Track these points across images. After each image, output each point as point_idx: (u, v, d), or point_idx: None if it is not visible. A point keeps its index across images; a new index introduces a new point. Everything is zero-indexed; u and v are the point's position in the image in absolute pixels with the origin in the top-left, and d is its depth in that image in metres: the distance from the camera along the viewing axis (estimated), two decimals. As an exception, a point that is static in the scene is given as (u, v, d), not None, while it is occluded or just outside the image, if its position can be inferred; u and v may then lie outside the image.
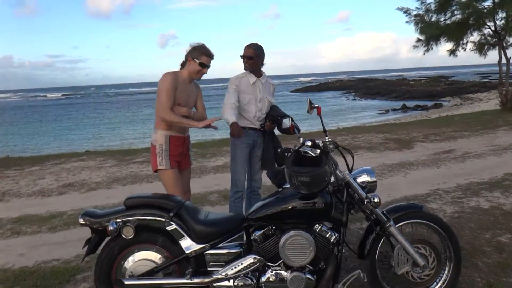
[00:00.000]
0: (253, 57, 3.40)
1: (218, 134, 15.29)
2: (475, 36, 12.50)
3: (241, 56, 3.45)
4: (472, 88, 36.10)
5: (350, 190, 2.40)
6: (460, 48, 12.47)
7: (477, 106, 23.19)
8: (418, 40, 12.40)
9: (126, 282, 2.33)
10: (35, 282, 3.09)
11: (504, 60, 11.92)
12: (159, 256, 2.42)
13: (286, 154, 2.72)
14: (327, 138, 2.35)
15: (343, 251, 2.45)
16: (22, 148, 17.02)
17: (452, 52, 12.63)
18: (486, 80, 48.12)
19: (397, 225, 2.42)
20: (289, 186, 2.42)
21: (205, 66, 3.02)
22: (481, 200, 4.33)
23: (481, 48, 12.38)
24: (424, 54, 12.32)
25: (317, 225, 2.32)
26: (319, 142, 2.31)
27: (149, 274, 2.38)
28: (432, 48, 12.36)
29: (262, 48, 3.48)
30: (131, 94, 78.47)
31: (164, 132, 3.00)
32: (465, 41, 12.44)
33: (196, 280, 2.31)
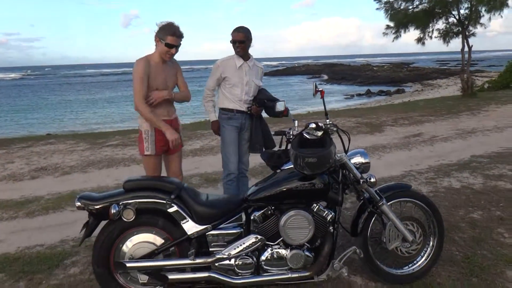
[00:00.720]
0: (244, 40, 3.40)
1: (190, 118, 15.18)
2: (440, 25, 13.00)
3: (231, 41, 3.43)
4: (432, 75, 37.55)
5: (345, 171, 2.50)
6: (426, 36, 12.94)
7: (437, 92, 24.21)
8: (388, 27, 12.75)
9: (128, 264, 2.33)
10: (21, 268, 3.01)
11: (466, 48, 12.51)
12: (158, 238, 2.43)
13: (282, 136, 2.78)
14: (328, 120, 2.42)
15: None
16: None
17: (419, 40, 13.08)
18: (445, 67, 50.20)
19: (388, 203, 2.57)
20: (285, 168, 2.49)
21: (172, 46, 2.87)
22: (453, 181, 4.61)
23: (445, 36, 12.90)
24: (393, 41, 12.72)
25: (315, 204, 2.41)
26: (321, 124, 2.38)
27: (149, 256, 2.39)
28: (400, 35, 12.76)
29: (250, 31, 3.48)
30: (92, 76, 75.17)
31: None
32: (431, 29, 12.92)
33: (199, 260, 2.35)
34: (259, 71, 3.66)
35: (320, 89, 2.51)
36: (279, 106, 3.06)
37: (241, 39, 3.39)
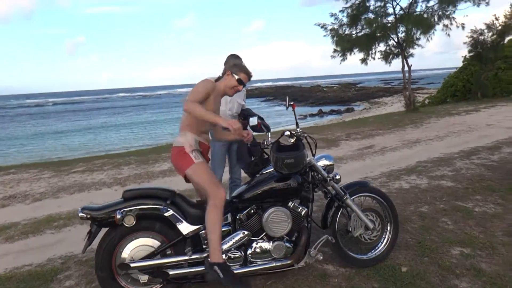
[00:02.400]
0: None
1: (152, 141, 15.13)
2: (381, 47, 14.28)
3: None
4: (378, 93, 40.05)
5: (314, 172, 2.95)
6: (370, 57, 14.15)
7: (384, 109, 25.90)
8: (335, 50, 13.82)
9: (132, 265, 2.60)
10: (16, 285, 3.13)
11: (406, 68, 13.81)
12: (155, 241, 2.72)
13: (257, 147, 3.17)
14: (298, 129, 2.87)
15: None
16: None
17: (363, 60, 14.26)
18: (390, 86, 53.68)
19: (352, 197, 3.04)
20: (264, 172, 2.90)
21: (241, 83, 2.83)
22: (403, 183, 5.23)
23: (386, 57, 14.18)
24: (340, 63, 13.80)
25: (290, 202, 2.83)
26: (294, 132, 2.82)
27: (148, 257, 2.67)
28: (347, 58, 13.88)
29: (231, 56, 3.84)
30: (54, 104, 70.61)
31: (194, 136, 2.78)
32: (373, 51, 14.15)
33: (195, 256, 2.67)
34: (242, 92, 4.03)
35: (291, 102, 2.96)
36: (253, 120, 3.40)
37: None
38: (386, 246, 3.16)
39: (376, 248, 3.16)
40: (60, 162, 9.44)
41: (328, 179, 2.90)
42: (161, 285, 2.72)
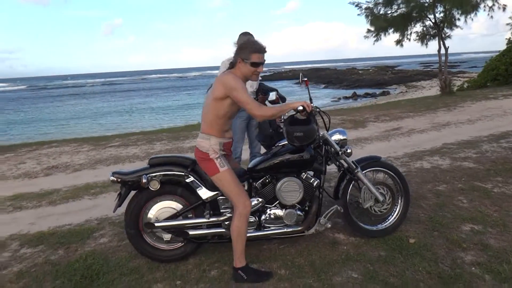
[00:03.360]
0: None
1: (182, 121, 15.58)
2: (418, 28, 13.83)
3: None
4: (416, 77, 38.69)
5: (327, 146, 3.10)
6: (405, 39, 13.75)
7: (421, 93, 25.10)
8: (369, 30, 13.54)
9: (156, 224, 2.89)
10: (58, 240, 3.53)
11: (443, 50, 13.35)
12: (178, 204, 2.99)
13: (274, 120, 3.33)
14: (312, 104, 3.01)
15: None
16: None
17: (399, 42, 13.89)
18: (429, 69, 51.56)
19: (364, 171, 3.16)
20: (279, 145, 3.08)
21: (258, 64, 2.61)
22: (424, 163, 5.26)
23: (422, 38, 13.72)
24: (374, 43, 13.51)
25: (303, 173, 3.00)
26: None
27: (171, 218, 2.94)
28: (380, 38, 13.55)
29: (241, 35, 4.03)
30: (93, 85, 72.43)
31: (219, 139, 2.72)
32: (409, 32, 13.74)
33: (213, 219, 2.92)
34: None
35: (305, 79, 3.10)
36: (271, 96, 3.57)
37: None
38: (396, 219, 3.27)
39: (386, 220, 3.29)
40: (98, 137, 10.04)
41: (340, 152, 3.04)
42: (182, 243, 3.00)
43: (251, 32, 4.02)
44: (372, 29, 13.34)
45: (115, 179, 2.87)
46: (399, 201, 3.30)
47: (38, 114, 27.11)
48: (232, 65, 2.70)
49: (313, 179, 3.00)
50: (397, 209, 3.30)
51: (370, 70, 54.79)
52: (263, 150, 3.96)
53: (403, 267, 2.79)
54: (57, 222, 4.04)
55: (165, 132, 9.57)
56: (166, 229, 2.93)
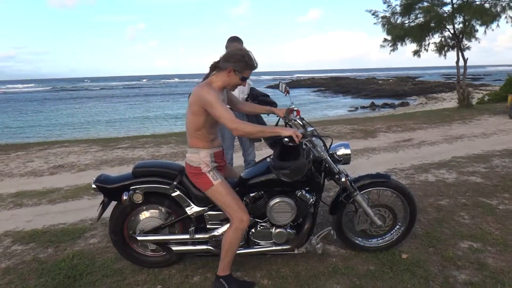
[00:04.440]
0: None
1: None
2: (436, 38, 13.56)
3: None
4: (436, 88, 37.94)
5: (326, 164, 2.88)
6: (423, 49, 13.50)
7: (441, 105, 24.57)
8: (385, 40, 13.36)
9: (139, 238, 2.81)
10: (49, 238, 3.56)
11: (461, 61, 13.04)
12: (164, 214, 2.87)
13: (279, 118, 3.11)
14: (310, 128, 2.75)
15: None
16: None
17: (416, 52, 13.64)
18: (451, 81, 50.55)
19: (364, 191, 2.97)
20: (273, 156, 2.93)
21: (245, 79, 2.56)
22: (429, 176, 5.09)
23: (440, 49, 13.44)
24: (390, 53, 13.31)
25: (298, 191, 2.77)
26: (295, 135, 2.50)
27: (156, 229, 2.84)
28: (397, 48, 13.32)
29: (231, 40, 3.97)
30: (119, 88, 72.80)
31: (209, 150, 2.62)
32: (427, 42, 13.48)
33: (197, 236, 2.78)
34: None
35: (296, 108, 2.87)
36: (281, 87, 3.32)
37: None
38: (392, 240, 3.10)
39: (383, 237, 3.12)
40: (109, 138, 10.18)
41: (335, 176, 2.81)
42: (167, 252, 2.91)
43: (240, 38, 3.95)
44: (389, 38, 13.16)
45: (96, 187, 2.78)
46: (401, 224, 3.12)
47: (56, 115, 27.64)
48: (214, 68, 2.57)
49: (308, 197, 2.76)
50: (397, 231, 3.12)
51: (390, 80, 54.15)
52: (258, 157, 3.89)
53: (391, 283, 2.68)
54: (53, 220, 4.07)
55: (174, 136, 9.61)
56: (150, 242, 2.86)
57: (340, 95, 39.46)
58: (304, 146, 2.61)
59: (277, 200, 2.71)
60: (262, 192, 2.77)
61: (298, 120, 2.84)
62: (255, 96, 3.95)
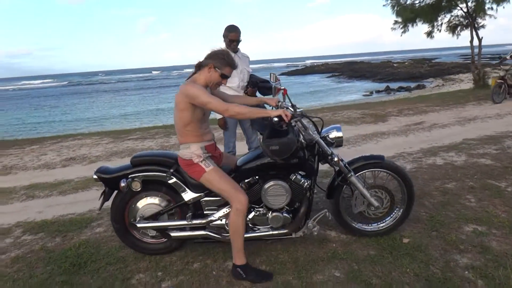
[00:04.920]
0: (239, 40, 3.94)
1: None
2: (448, 18, 13.15)
3: (229, 40, 3.91)
4: (454, 69, 36.89)
5: (319, 148, 2.90)
6: (435, 30, 13.13)
7: (458, 86, 23.87)
8: (396, 22, 13.01)
9: (139, 225, 2.89)
10: (57, 228, 3.66)
11: (476, 41, 12.65)
12: (163, 201, 2.94)
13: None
14: (296, 111, 2.78)
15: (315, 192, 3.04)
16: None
17: (429, 34, 13.27)
18: (468, 61, 49.16)
19: (359, 173, 2.95)
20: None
21: (226, 77, 2.67)
22: (438, 159, 5.00)
23: (454, 29, 13.04)
24: (401, 35, 12.97)
25: (293, 174, 2.80)
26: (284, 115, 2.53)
27: (156, 216, 2.91)
28: (408, 30, 12.96)
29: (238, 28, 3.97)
30: (133, 81, 72.20)
31: (199, 144, 2.69)
32: (440, 22, 13.09)
33: (195, 222, 2.84)
34: (247, 60, 4.18)
35: (282, 87, 2.93)
36: (272, 77, 3.14)
37: (237, 39, 3.92)
38: (392, 222, 3.08)
39: (383, 221, 3.10)
40: (120, 130, 10.33)
41: (329, 157, 2.80)
42: (168, 239, 2.97)
43: (238, 26, 3.93)
44: (399, 20, 12.82)
45: (97, 177, 2.87)
46: (400, 206, 3.08)
47: (72, 109, 27.95)
48: (199, 67, 2.66)
49: (303, 180, 2.78)
50: (396, 213, 3.09)
51: (406, 63, 52.92)
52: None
53: (390, 268, 2.66)
54: (63, 211, 4.18)
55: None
56: (149, 229, 2.93)
57: (355, 80, 38.86)
58: (293, 124, 2.66)
59: (271, 183, 2.74)
60: (257, 177, 2.81)
61: (287, 102, 2.91)
62: (254, 83, 3.94)
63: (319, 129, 2.93)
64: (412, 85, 28.74)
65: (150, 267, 2.87)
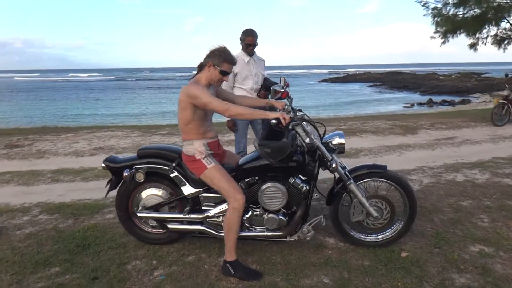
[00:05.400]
0: (256, 44, 4.01)
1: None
2: (495, 31, 12.51)
3: (245, 43, 3.99)
4: (504, 85, 35.01)
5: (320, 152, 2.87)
6: (480, 42, 12.54)
7: (505, 103, 22.66)
8: (436, 31, 12.55)
9: (138, 214, 3.02)
10: (71, 211, 3.88)
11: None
12: (165, 193, 3.04)
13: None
14: (296, 115, 2.79)
15: (317, 197, 3.03)
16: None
17: (472, 46, 12.70)
18: (522, 78, 46.42)
19: (360, 181, 2.92)
20: None
21: (226, 74, 2.69)
22: (459, 175, 4.80)
23: (500, 42, 12.39)
24: (440, 46, 12.48)
25: (292, 178, 2.81)
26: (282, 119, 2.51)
27: (157, 207, 3.01)
28: (448, 40, 12.44)
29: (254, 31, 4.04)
30: (176, 79, 73.86)
31: (202, 141, 2.76)
32: (485, 35, 12.49)
33: (192, 216, 2.92)
34: (262, 63, 4.23)
35: (283, 90, 2.95)
36: (281, 81, 3.21)
37: (254, 43, 3.99)
38: (393, 235, 3.01)
39: (383, 232, 3.03)
40: (151, 125, 10.68)
41: (328, 163, 2.76)
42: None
43: (255, 30, 3.99)
44: (440, 30, 12.35)
45: (105, 166, 3.04)
46: (402, 218, 3.00)
47: (114, 103, 29.05)
48: (201, 67, 2.72)
49: (301, 185, 2.78)
50: (397, 226, 3.01)
51: (453, 76, 50.81)
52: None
53: (381, 280, 2.61)
54: (81, 196, 4.41)
55: (216, 126, 9.83)
56: (148, 219, 3.04)
57: (396, 91, 37.75)
58: (290, 127, 2.63)
59: (268, 185, 2.77)
60: (257, 178, 2.83)
61: (288, 105, 2.95)
62: (267, 87, 3.99)
63: (322, 135, 2.91)
64: (457, 99, 27.53)
65: (147, 255, 2.98)
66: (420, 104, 26.52)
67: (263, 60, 4.25)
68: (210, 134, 2.83)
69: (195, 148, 2.76)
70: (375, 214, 2.90)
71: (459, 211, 3.67)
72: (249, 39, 3.96)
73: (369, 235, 3.06)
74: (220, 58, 2.64)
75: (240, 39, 3.98)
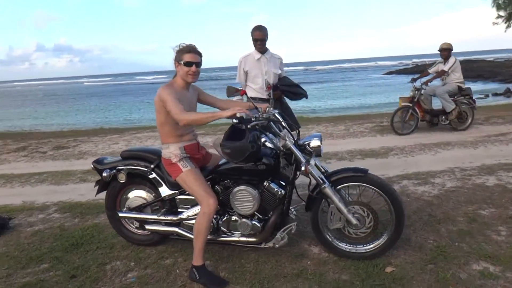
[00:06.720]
0: (264, 38, 3.93)
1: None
2: None
3: (254, 39, 3.95)
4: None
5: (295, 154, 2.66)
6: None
7: None
8: (498, 16, 11.25)
9: (120, 214, 3.12)
10: (81, 210, 4.11)
11: None
12: (148, 194, 3.11)
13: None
14: (258, 114, 2.63)
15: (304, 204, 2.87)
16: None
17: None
18: None
19: (340, 186, 2.72)
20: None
21: (191, 64, 2.63)
22: (491, 178, 4.26)
23: None
24: (505, 30, 11.17)
25: (266, 182, 2.71)
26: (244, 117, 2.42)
27: (140, 208, 3.09)
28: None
29: (267, 29, 3.96)
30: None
31: (178, 144, 2.77)
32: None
33: (168, 218, 2.95)
34: (277, 61, 4.11)
35: (240, 88, 2.80)
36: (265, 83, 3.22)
37: (262, 38, 3.91)
38: (379, 246, 2.76)
39: (370, 243, 2.79)
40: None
41: (301, 166, 2.61)
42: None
43: (264, 26, 3.90)
44: (502, 14, 11.05)
45: (93, 167, 3.17)
46: (389, 227, 2.74)
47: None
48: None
49: (277, 189, 2.68)
50: (385, 236, 2.76)
51: (538, 62, 45.40)
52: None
53: (352, 296, 2.40)
54: (98, 196, 4.61)
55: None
56: (127, 219, 3.14)
57: (469, 80, 34.70)
58: (249, 127, 2.48)
59: (240, 188, 2.70)
60: (231, 181, 2.79)
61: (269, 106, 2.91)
62: (275, 87, 3.92)
63: (297, 137, 2.77)
64: (543, 88, 24.57)
65: (129, 256, 3.05)
66: (496, 94, 24.08)
67: (279, 58, 4.16)
68: (188, 137, 2.83)
69: (170, 151, 2.78)
70: (354, 221, 2.67)
71: (474, 221, 3.25)
72: (256, 34, 3.91)
73: (354, 246, 2.83)
74: (179, 53, 2.66)
75: (251, 34, 3.97)
